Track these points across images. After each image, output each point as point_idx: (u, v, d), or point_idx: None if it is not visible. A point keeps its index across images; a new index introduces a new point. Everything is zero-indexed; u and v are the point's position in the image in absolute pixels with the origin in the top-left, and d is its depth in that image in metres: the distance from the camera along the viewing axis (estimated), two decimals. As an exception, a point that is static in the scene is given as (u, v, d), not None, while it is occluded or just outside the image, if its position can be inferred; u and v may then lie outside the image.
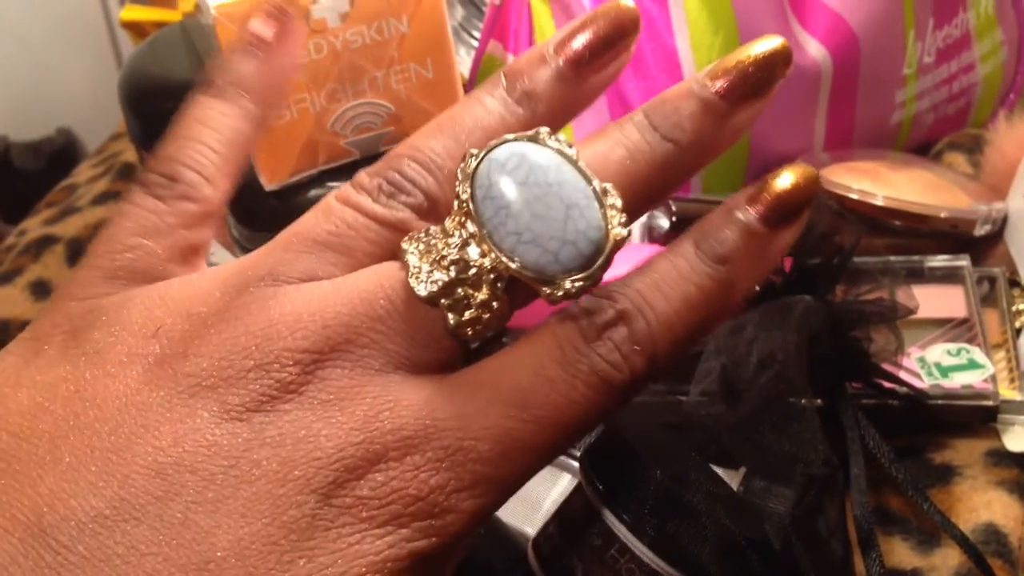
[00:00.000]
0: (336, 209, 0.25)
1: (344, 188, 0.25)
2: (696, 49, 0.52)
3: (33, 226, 0.67)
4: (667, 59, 0.52)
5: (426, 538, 0.22)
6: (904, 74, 0.57)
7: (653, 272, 0.24)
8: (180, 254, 0.26)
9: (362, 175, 0.25)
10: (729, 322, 0.36)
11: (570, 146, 0.24)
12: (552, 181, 0.24)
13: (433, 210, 0.25)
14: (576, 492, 0.32)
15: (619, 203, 0.24)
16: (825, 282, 0.40)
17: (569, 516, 0.32)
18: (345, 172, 0.43)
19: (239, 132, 0.27)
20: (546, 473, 0.38)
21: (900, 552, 0.38)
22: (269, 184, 0.43)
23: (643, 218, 0.50)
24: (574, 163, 0.24)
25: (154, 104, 0.58)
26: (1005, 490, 0.40)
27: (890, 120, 0.58)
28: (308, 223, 0.25)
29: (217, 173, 0.27)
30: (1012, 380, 0.44)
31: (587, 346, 0.23)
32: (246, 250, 0.47)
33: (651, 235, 0.52)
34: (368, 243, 0.24)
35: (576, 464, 0.34)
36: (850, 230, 0.41)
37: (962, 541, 0.36)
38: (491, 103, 0.26)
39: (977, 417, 0.42)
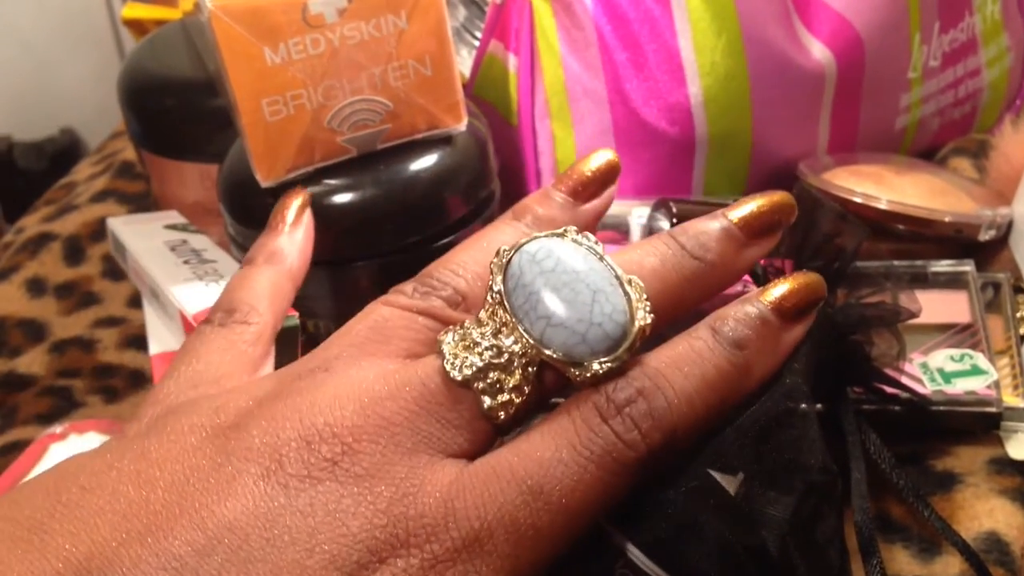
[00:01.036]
0: (374, 309, 0.28)
1: (384, 296, 0.29)
2: (699, 51, 0.51)
3: (31, 223, 0.66)
4: (669, 60, 0.51)
5: None
6: (909, 78, 0.56)
7: (670, 352, 0.26)
8: (243, 366, 0.30)
9: (397, 286, 0.29)
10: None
11: (596, 243, 0.27)
12: (580, 269, 0.25)
13: (462, 303, 0.28)
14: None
15: (644, 294, 0.26)
16: (826, 284, 0.40)
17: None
18: (342, 170, 0.43)
19: (276, 283, 0.34)
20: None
21: (900, 560, 0.38)
22: (265, 181, 0.43)
23: (643, 220, 0.49)
24: (600, 257, 0.26)
25: (153, 101, 0.58)
26: (1008, 498, 0.39)
27: (895, 124, 0.57)
28: (352, 323, 0.28)
29: (264, 307, 0.32)
30: (1016, 387, 0.43)
31: (603, 424, 0.24)
32: (242, 247, 0.46)
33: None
34: (404, 329, 0.27)
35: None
36: (852, 233, 0.40)
37: (964, 549, 0.36)
38: (507, 228, 0.30)
39: (980, 424, 0.42)
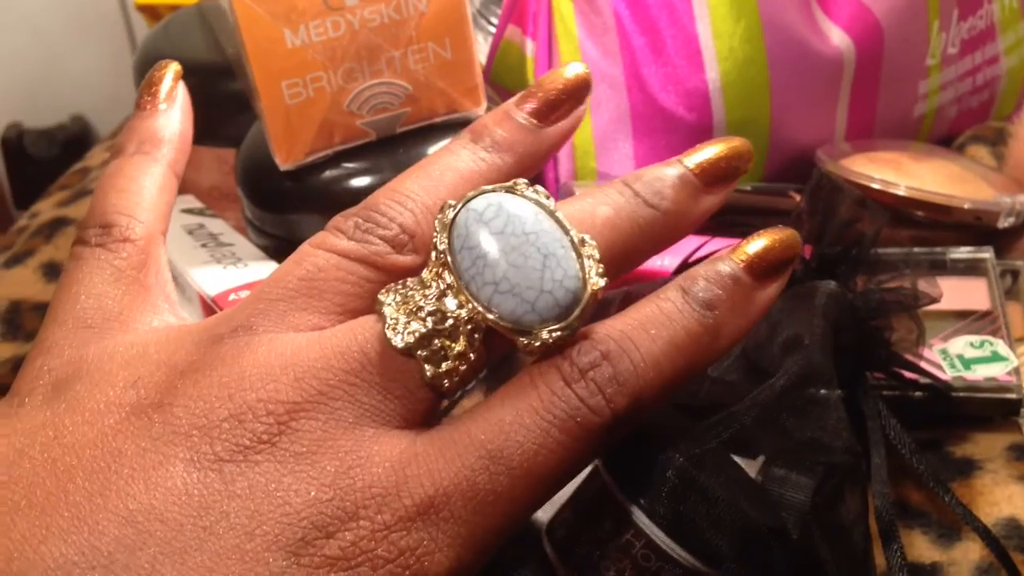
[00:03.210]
0: (308, 253, 0.25)
1: (320, 232, 0.26)
2: (717, 36, 0.51)
3: (46, 208, 0.66)
4: (687, 45, 0.51)
5: None
6: (928, 65, 0.56)
7: (638, 314, 0.25)
8: (136, 296, 0.27)
9: (338, 218, 0.26)
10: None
11: (547, 197, 0.25)
12: (529, 231, 0.24)
13: (409, 243, 0.25)
14: (591, 476, 0.32)
15: (597, 254, 0.24)
16: (845, 271, 0.40)
17: (584, 501, 0.31)
18: (361, 153, 0.43)
19: (155, 175, 0.29)
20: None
21: (920, 545, 0.38)
22: (284, 164, 0.43)
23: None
24: (551, 213, 0.25)
25: (169, 85, 0.58)
26: (1027, 485, 0.39)
27: (913, 111, 0.57)
28: (282, 271, 0.25)
29: (146, 212, 0.28)
30: (1035, 374, 0.43)
31: (567, 388, 0.23)
32: (259, 231, 0.46)
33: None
34: (339, 283, 0.25)
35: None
36: (872, 218, 0.40)
37: (985, 535, 0.36)
38: (462, 151, 0.27)
39: (1000, 410, 0.42)
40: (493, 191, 0.25)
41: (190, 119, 0.32)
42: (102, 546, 0.21)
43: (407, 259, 0.25)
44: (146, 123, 0.30)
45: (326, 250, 0.25)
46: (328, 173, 0.43)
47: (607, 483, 0.31)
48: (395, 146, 0.43)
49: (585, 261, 0.24)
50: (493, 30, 0.58)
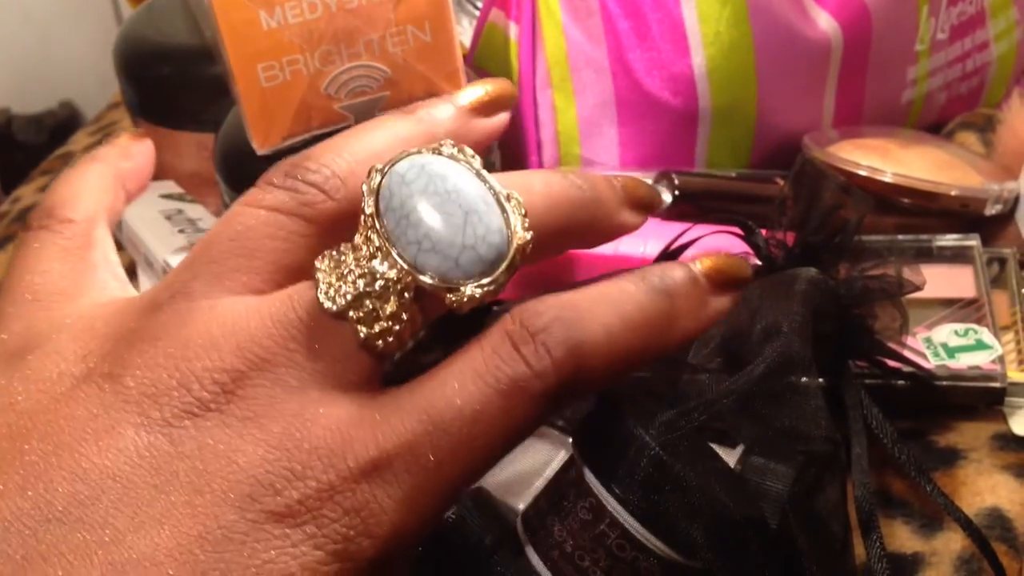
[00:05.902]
0: (237, 213, 0.26)
1: (251, 188, 0.26)
2: (703, 20, 0.50)
3: (27, 193, 0.66)
4: (673, 29, 0.51)
5: (340, 561, 0.22)
6: (917, 50, 0.56)
7: (595, 287, 0.25)
8: (82, 272, 0.28)
9: (268, 172, 0.27)
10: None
11: (473, 157, 0.25)
12: (451, 188, 0.24)
13: (342, 189, 0.26)
14: (567, 465, 0.31)
15: (523, 209, 0.25)
16: (829, 258, 0.39)
17: (559, 490, 0.31)
18: (339, 137, 0.42)
19: (101, 174, 0.31)
20: (540, 449, 0.37)
21: (901, 535, 0.37)
22: (261, 148, 0.42)
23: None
24: (475, 171, 0.25)
25: (149, 69, 0.57)
26: (1011, 474, 0.39)
27: (901, 98, 0.57)
28: (212, 233, 0.26)
29: (86, 202, 0.30)
30: (1021, 362, 0.43)
31: (513, 351, 0.23)
32: (237, 216, 0.46)
33: (653, 211, 0.51)
34: (269, 240, 0.25)
35: (570, 440, 0.33)
36: (856, 205, 0.40)
37: (966, 525, 0.35)
38: (391, 120, 0.28)
39: (984, 399, 0.41)
40: (418, 152, 0.25)
41: (151, 165, 0.34)
42: (56, 501, 0.22)
43: (337, 205, 0.26)
44: (105, 146, 0.33)
45: (254, 207, 0.26)
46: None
47: (581, 472, 0.30)
48: (374, 130, 0.42)
49: (510, 216, 0.24)
50: (477, 13, 0.57)
